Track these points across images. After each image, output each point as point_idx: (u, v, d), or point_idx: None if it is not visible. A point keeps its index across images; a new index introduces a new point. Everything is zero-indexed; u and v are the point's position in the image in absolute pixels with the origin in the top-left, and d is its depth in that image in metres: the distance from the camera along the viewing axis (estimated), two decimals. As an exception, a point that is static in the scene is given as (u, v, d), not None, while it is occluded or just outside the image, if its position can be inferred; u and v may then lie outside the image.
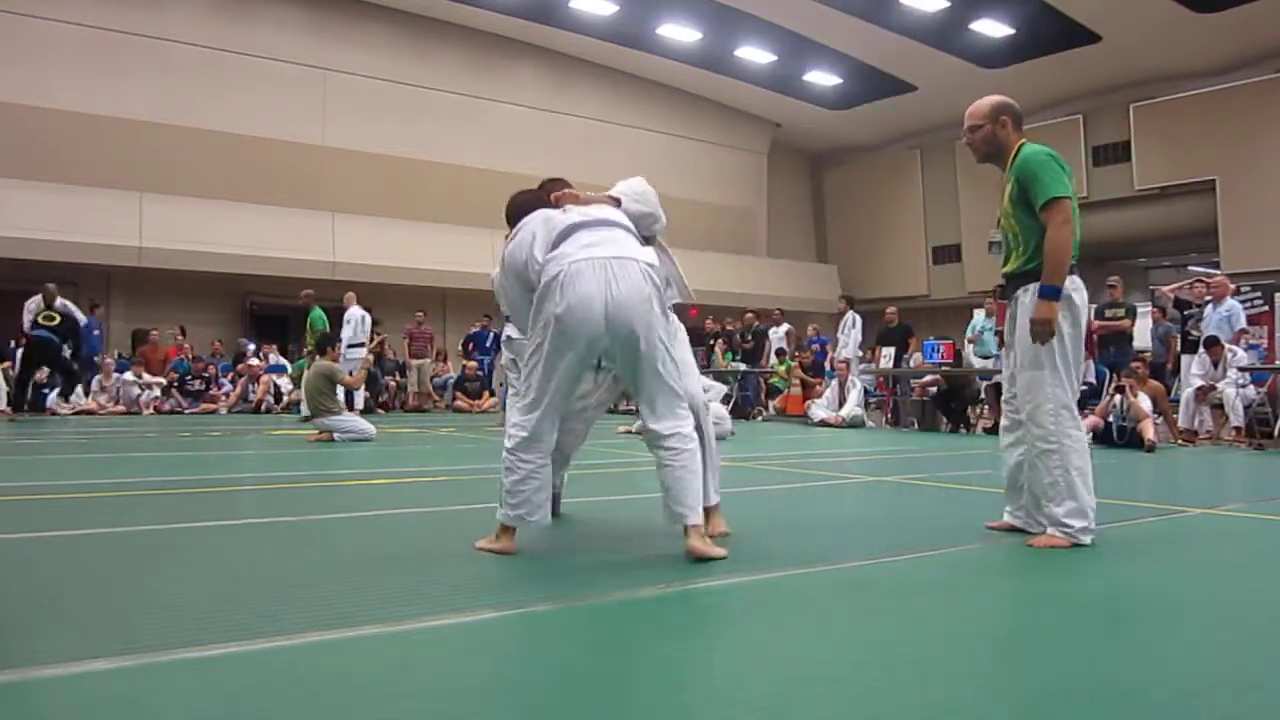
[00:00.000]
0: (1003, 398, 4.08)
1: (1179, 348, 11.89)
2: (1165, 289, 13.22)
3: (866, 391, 13.94)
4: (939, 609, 2.79)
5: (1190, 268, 21.47)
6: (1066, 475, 3.65)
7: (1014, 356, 3.84)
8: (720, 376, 15.16)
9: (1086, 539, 3.65)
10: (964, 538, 3.92)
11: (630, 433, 9.59)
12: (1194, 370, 10.78)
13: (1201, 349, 10.74)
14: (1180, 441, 10.28)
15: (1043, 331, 3.62)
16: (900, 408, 13.88)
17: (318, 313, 13.05)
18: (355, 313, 13.91)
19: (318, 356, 9.76)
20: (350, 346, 13.34)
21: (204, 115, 18.04)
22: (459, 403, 16.33)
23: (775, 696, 1.93)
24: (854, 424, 12.74)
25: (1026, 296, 3.74)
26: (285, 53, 19.16)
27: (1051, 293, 3.62)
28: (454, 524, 4.21)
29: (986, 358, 12.41)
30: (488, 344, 16.19)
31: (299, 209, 18.20)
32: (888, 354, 13.82)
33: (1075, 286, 3.74)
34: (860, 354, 14.54)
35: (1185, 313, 11.90)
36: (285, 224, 17.99)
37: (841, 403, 13.00)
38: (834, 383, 13.31)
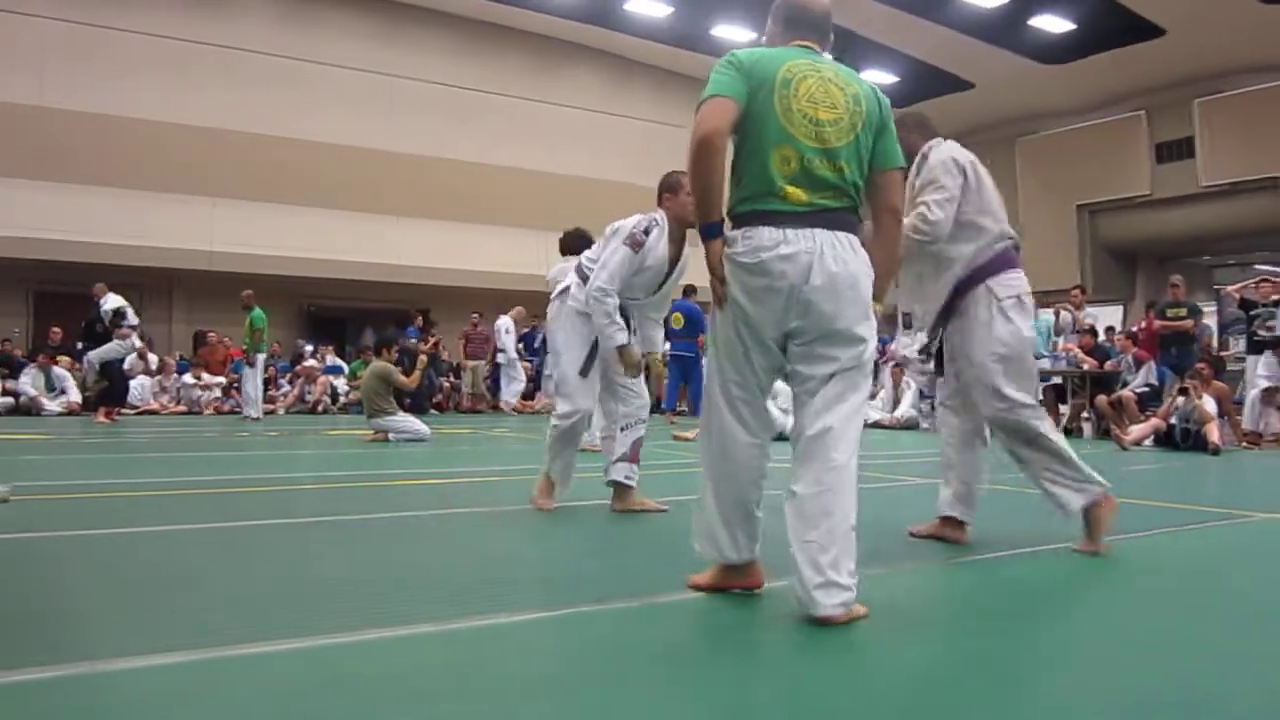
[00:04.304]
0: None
1: (1245, 347, 11.60)
2: (1230, 288, 12.91)
3: (921, 393, 13.79)
4: (1005, 619, 2.77)
5: (1256, 266, 20.93)
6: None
7: None
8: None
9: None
10: (1024, 542, 3.87)
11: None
12: (1260, 371, 10.52)
13: (1268, 350, 10.48)
14: (1245, 444, 10.04)
15: (711, 285, 2.67)
16: (955, 409, 13.69)
17: (257, 313, 13.11)
18: None
19: (374, 358, 9.88)
20: None
21: (275, 122, 18.27)
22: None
23: (782, 696, 1.94)
24: (908, 425, 12.63)
25: None
26: (351, 60, 19.37)
27: (706, 230, 2.65)
28: (509, 523, 4.26)
29: (1039, 358, 12.22)
30: (536, 344, 16.18)
31: (362, 213, 18.41)
32: (948, 354, 13.68)
33: (746, 249, 2.62)
34: (921, 356, 14.35)
35: (1251, 313, 11.61)
36: (348, 228, 18.20)
37: (896, 404, 12.91)
38: (888, 384, 13.21)
